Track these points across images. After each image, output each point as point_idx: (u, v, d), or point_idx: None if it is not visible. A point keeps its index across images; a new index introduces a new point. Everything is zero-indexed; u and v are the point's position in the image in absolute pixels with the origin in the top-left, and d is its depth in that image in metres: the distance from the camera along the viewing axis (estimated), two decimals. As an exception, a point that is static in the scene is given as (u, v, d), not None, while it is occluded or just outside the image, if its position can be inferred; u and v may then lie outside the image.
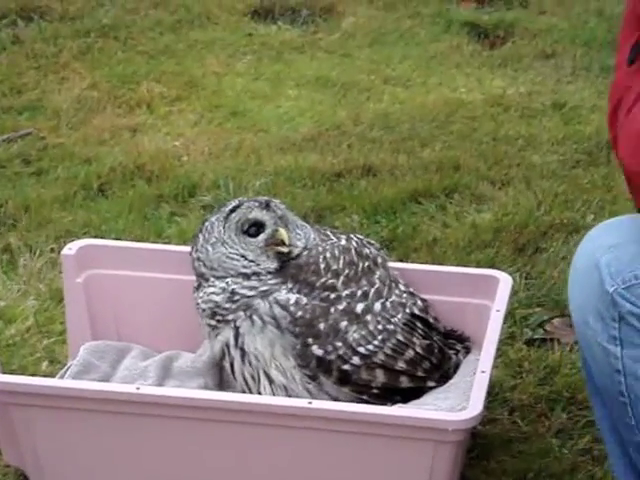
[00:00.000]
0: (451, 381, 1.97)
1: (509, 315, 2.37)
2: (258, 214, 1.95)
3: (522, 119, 3.35)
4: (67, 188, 2.93)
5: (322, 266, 1.92)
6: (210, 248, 1.95)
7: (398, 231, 2.73)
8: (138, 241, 2.54)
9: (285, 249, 1.94)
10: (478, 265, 2.55)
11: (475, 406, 1.75)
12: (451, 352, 2.02)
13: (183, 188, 2.91)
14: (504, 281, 2.09)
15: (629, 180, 1.49)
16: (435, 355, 1.98)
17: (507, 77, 3.65)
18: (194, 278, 2.03)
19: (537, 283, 2.55)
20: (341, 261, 1.94)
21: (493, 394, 2.18)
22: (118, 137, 3.21)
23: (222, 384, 2.06)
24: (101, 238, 2.49)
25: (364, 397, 1.91)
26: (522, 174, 3.01)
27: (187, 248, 2.13)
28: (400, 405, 1.90)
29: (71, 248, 2.16)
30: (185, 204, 2.87)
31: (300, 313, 1.89)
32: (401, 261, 2.42)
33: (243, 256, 1.94)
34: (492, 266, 2.50)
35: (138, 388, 1.83)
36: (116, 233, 2.69)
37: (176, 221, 2.79)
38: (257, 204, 1.95)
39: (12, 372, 2.06)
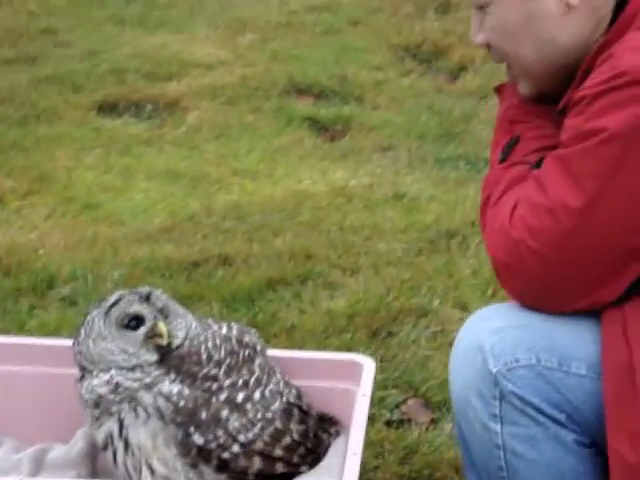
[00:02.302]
0: (322, 463, 2.04)
1: (368, 397, 2.48)
2: (137, 308, 1.98)
3: (366, 209, 3.51)
4: None
5: (204, 356, 1.97)
6: (91, 343, 1.98)
7: (257, 318, 2.82)
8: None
9: (164, 342, 1.97)
10: (336, 349, 2.66)
11: (350, 487, 1.82)
12: (325, 435, 2.09)
13: (41, 281, 2.94)
14: (368, 366, 2.18)
15: (495, 269, 1.63)
16: (310, 440, 2.05)
17: (348, 169, 3.82)
18: (63, 370, 2.06)
19: (391, 366, 2.67)
20: (222, 350, 1.99)
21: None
22: (-28, 232, 3.22)
23: (95, 474, 2.07)
24: (-37, 333, 2.49)
25: (240, 483, 1.96)
26: (370, 262, 3.15)
27: (55, 341, 2.17)
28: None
29: (-61, 345, 2.14)
30: (44, 297, 2.89)
31: (182, 403, 1.93)
32: (262, 348, 2.50)
33: (123, 350, 1.97)
34: (349, 350, 2.62)
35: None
36: (-23, 328, 2.69)
37: (36, 314, 2.80)
38: (137, 297, 1.98)
39: None
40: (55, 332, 2.65)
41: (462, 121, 4.25)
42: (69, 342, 2.15)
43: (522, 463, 1.59)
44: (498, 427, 1.59)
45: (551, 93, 1.66)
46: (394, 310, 2.90)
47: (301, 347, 2.65)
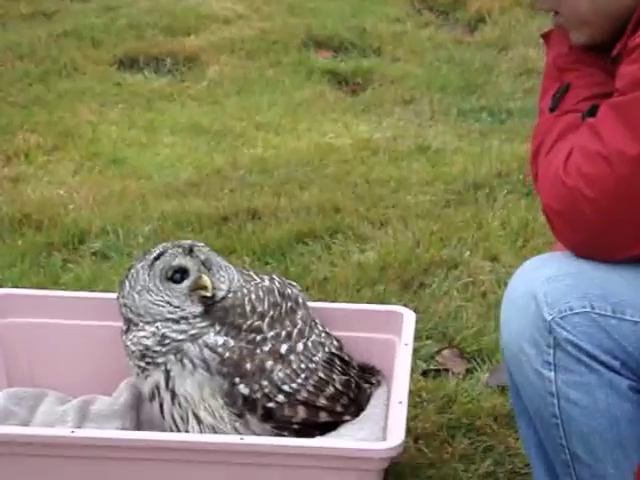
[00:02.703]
0: (364, 413, 2.06)
1: (403, 348, 2.49)
2: (182, 261, 2.00)
3: (391, 162, 3.51)
4: (-44, 240, 2.91)
5: (248, 308, 1.99)
6: (136, 295, 1.99)
7: (289, 272, 2.82)
8: (36, 289, 2.55)
9: (208, 294, 1.99)
10: (369, 301, 2.67)
11: (398, 435, 1.83)
12: (366, 385, 2.11)
13: (72, 236, 2.94)
14: (407, 316, 2.19)
15: (546, 215, 1.63)
16: (352, 390, 2.07)
17: (371, 122, 3.81)
18: (101, 322, 2.10)
19: (424, 317, 2.67)
20: (266, 302, 2.01)
21: (398, 424, 2.29)
22: (0, 187, 3.21)
23: (139, 426, 2.09)
24: (-2, 287, 2.48)
25: (284, 433, 1.98)
26: (398, 214, 3.15)
27: (91, 294, 2.20)
28: (320, 438, 1.96)
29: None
30: (76, 251, 2.91)
31: (228, 354, 1.95)
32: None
33: (168, 302, 1.99)
34: (381, 302, 2.63)
35: (73, 431, 1.84)
36: (12, 282, 2.69)
37: (69, 268, 2.82)
38: (181, 250, 2.00)
39: None
40: (90, 286, 2.66)
41: (483, 73, 4.24)
42: (105, 295, 2.19)
43: (576, 410, 1.60)
44: (552, 374, 1.59)
45: (603, 43, 1.66)
46: (425, 262, 2.90)
47: (334, 299, 2.66)
